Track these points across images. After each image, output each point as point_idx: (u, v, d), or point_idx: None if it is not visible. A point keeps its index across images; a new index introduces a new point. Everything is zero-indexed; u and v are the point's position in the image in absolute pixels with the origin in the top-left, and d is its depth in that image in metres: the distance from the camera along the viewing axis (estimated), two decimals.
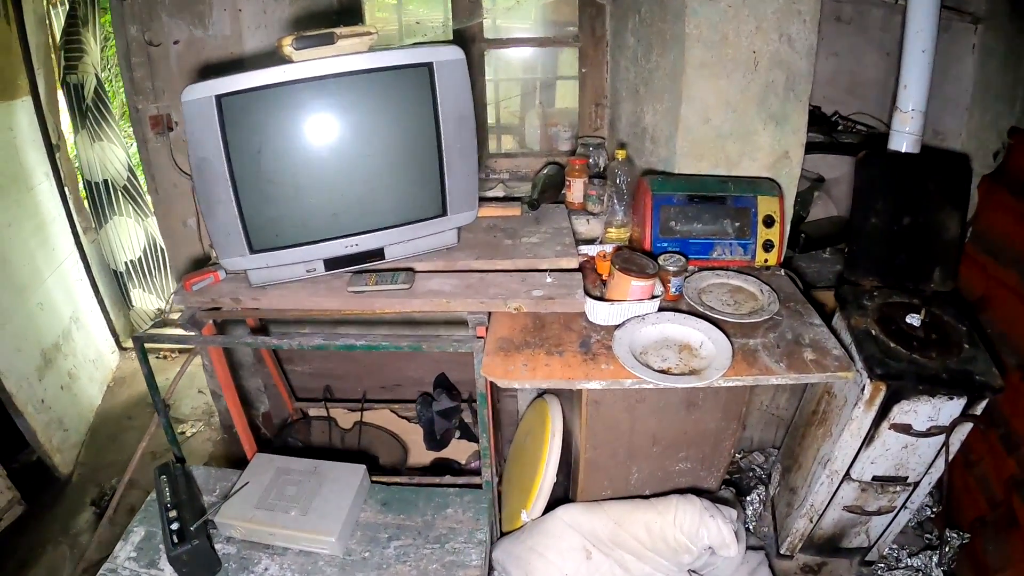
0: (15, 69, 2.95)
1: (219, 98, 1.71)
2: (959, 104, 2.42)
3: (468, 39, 2.52)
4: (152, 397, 2.12)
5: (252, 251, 1.88)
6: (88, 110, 3.20)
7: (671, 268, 1.93)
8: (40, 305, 2.99)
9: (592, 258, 2.10)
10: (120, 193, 3.40)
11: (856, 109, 2.62)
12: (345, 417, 2.69)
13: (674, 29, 2.09)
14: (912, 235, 2.12)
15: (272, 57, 1.75)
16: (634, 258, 1.88)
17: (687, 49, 2.04)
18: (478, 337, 1.85)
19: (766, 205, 2.08)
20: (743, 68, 2.06)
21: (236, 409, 2.30)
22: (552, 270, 1.95)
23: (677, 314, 1.85)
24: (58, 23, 3.20)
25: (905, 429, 1.86)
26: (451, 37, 2.52)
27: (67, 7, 3.13)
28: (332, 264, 1.96)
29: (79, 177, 3.44)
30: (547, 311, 1.85)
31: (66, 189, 3.31)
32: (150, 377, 2.08)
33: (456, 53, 1.81)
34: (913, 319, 1.95)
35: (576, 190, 2.36)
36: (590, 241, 2.30)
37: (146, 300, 3.67)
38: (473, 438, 2.58)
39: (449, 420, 2.50)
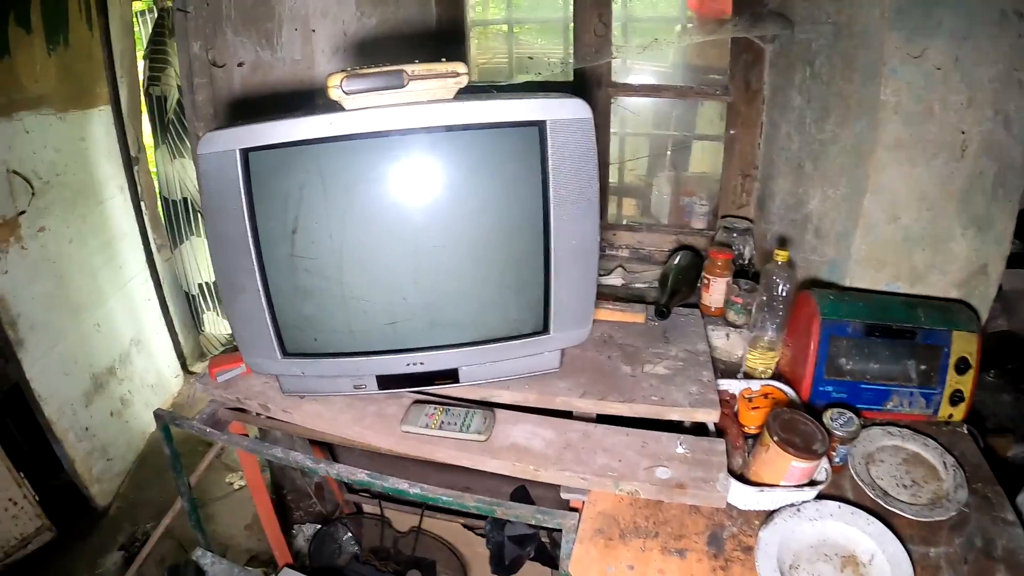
0: (94, 77, 2.39)
1: (245, 153, 1.08)
2: None
3: (591, 82, 1.78)
4: (176, 481, 1.54)
5: (284, 354, 1.23)
6: (170, 124, 2.61)
7: (842, 433, 1.21)
8: (97, 326, 2.43)
9: (733, 398, 1.35)
10: (199, 213, 2.79)
11: None
12: (401, 518, 2.00)
13: (863, 93, 1.35)
14: None
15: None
16: (796, 424, 1.15)
17: (880, 122, 1.32)
18: (572, 509, 1.15)
19: (962, 344, 1.33)
20: (947, 153, 1.34)
21: (267, 517, 1.67)
22: (684, 426, 1.23)
23: (842, 507, 1.15)
24: (145, 31, 2.61)
25: None
26: (570, 78, 1.78)
27: (156, 15, 2.54)
28: (387, 382, 1.28)
29: (157, 193, 2.85)
30: (674, 500, 1.13)
31: (143, 204, 2.74)
32: (174, 459, 1.51)
33: (580, 109, 1.10)
34: None
35: (716, 292, 1.59)
36: (729, 368, 1.52)
37: (219, 324, 3.05)
38: (550, 563, 1.86)
39: (523, 547, 1.78)
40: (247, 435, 1.51)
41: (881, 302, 1.38)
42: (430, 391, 1.31)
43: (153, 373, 2.79)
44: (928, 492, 1.21)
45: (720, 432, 1.26)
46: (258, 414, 1.39)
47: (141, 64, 2.61)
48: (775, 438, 1.10)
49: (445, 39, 1.84)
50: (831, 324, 1.32)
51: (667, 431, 1.25)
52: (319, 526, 2.10)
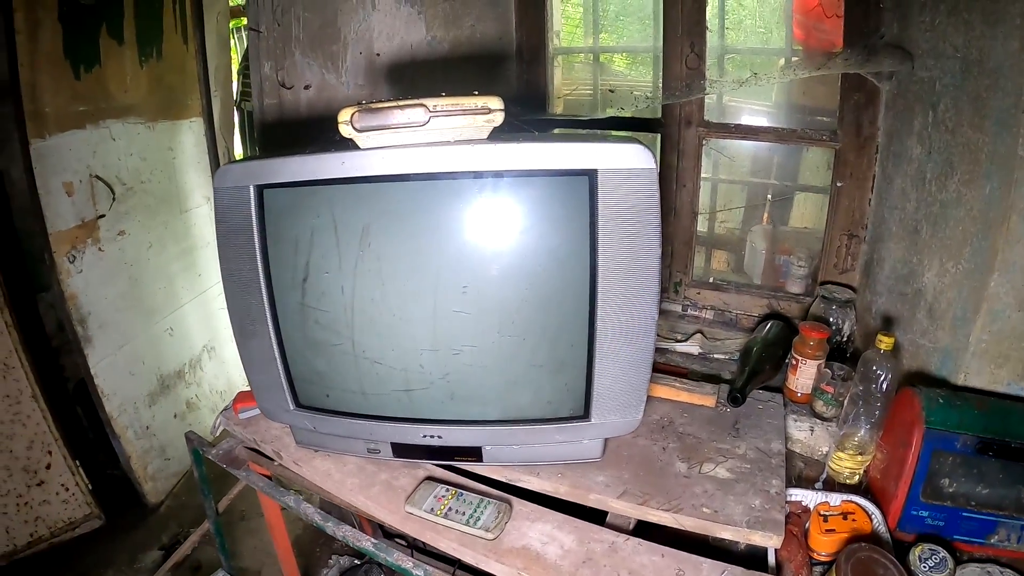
0: (187, 89, 2.37)
1: (260, 189, 0.94)
2: None
3: (681, 120, 1.53)
4: (204, 504, 1.45)
5: (297, 406, 1.09)
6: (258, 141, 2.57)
7: None
8: (170, 330, 2.40)
9: (806, 512, 1.07)
10: None
11: None
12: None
13: (995, 145, 1.06)
14: None
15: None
16: (873, 567, 0.91)
17: (1017, 184, 1.01)
18: None
19: None
20: None
21: (285, 554, 1.54)
22: (737, 549, 0.97)
23: None
24: (241, 47, 2.59)
25: None
26: (658, 114, 1.54)
27: None
28: (403, 451, 1.09)
29: None
30: None
31: None
32: (203, 482, 1.42)
33: (641, 157, 0.87)
34: None
35: (804, 376, 1.29)
36: (809, 467, 1.24)
37: None
38: None
39: None
40: (267, 474, 1.38)
41: (1001, 411, 1.07)
42: (451, 467, 1.12)
43: (223, 380, 2.74)
44: None
45: (779, 563, 0.99)
46: (271, 459, 1.26)
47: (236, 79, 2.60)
48: None
49: (526, 68, 1.65)
50: (937, 436, 1.03)
51: (717, 551, 1.01)
52: (355, 561, 1.97)
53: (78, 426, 2.20)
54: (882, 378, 1.14)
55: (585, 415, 0.99)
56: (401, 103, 0.89)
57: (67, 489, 2.07)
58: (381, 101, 0.89)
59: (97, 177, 2.02)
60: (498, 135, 0.91)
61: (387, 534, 1.73)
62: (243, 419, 1.30)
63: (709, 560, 0.94)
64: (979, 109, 1.10)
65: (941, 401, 1.06)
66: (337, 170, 0.91)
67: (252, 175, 0.95)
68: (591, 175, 0.87)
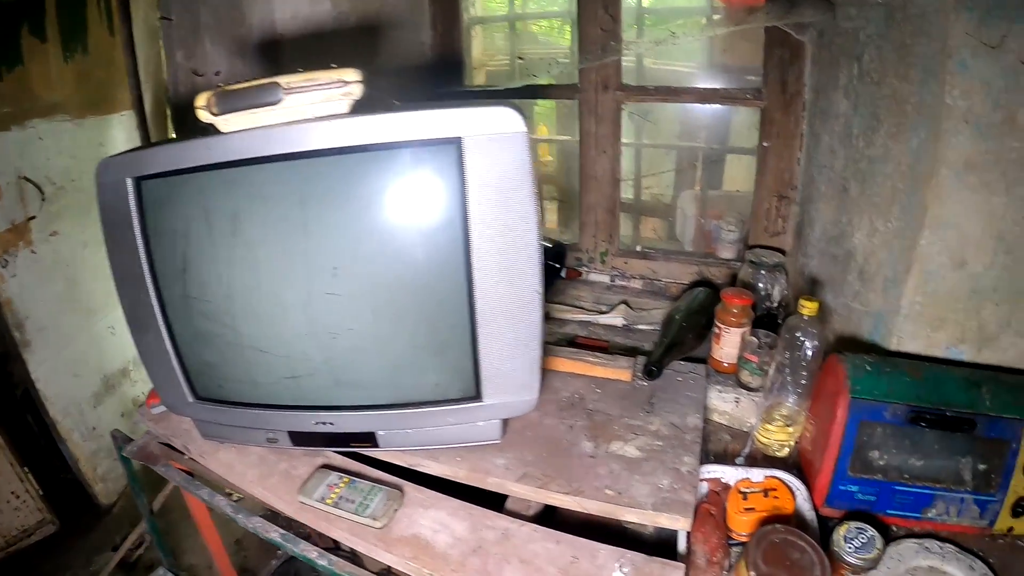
0: (116, 82, 2.33)
1: (138, 182, 0.92)
2: None
3: (598, 84, 1.49)
4: (137, 503, 1.47)
5: (196, 398, 1.07)
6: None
7: (856, 561, 0.88)
8: (111, 329, 2.38)
9: (724, 491, 1.04)
10: None
11: None
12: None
13: (922, 96, 1.01)
14: None
15: None
16: (789, 550, 0.85)
17: (944, 135, 0.97)
18: None
19: None
20: None
21: (222, 563, 1.52)
22: (636, 532, 0.96)
23: None
24: None
25: None
26: (575, 80, 1.50)
27: None
28: (300, 439, 1.07)
29: None
30: None
31: None
32: (132, 480, 1.43)
33: (509, 121, 0.83)
34: None
35: (728, 345, 1.25)
36: (734, 451, 1.19)
37: None
38: None
39: None
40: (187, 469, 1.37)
41: (936, 377, 1.01)
42: (352, 453, 1.09)
43: None
44: None
45: (692, 547, 0.95)
46: (181, 453, 1.24)
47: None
48: (753, 573, 0.80)
49: (440, 39, 1.61)
50: (863, 406, 0.98)
51: (639, 537, 0.98)
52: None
53: (29, 432, 2.19)
54: (806, 345, 1.11)
55: (476, 396, 0.96)
56: (254, 83, 0.87)
57: (18, 497, 2.08)
58: (236, 83, 0.87)
59: (25, 178, 2.01)
60: (364, 109, 0.87)
61: None
62: (155, 414, 1.28)
63: (607, 546, 0.91)
64: (904, 58, 1.06)
65: (869, 369, 1.01)
66: (203, 156, 0.89)
67: (130, 167, 0.93)
68: (457, 143, 0.84)
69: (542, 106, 2.05)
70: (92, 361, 2.31)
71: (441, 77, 1.56)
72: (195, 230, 0.93)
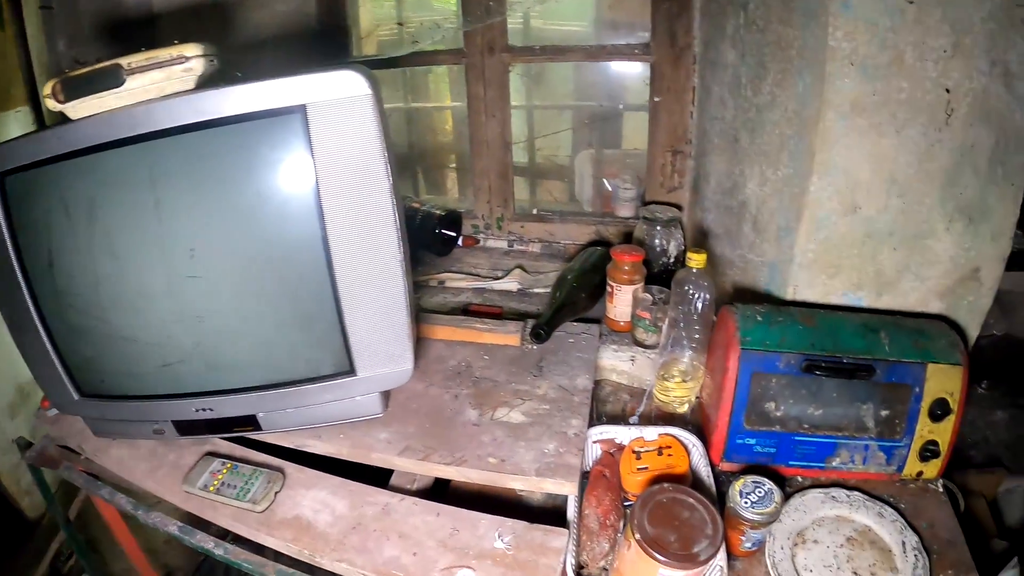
0: (9, 78, 2.25)
1: (1, 178, 0.91)
2: None
3: (484, 48, 1.47)
4: (52, 512, 1.52)
5: (81, 395, 1.04)
6: None
7: (754, 517, 0.87)
8: None
9: (619, 451, 1.04)
10: None
11: None
12: None
13: (806, 39, 1.01)
14: None
15: None
16: (677, 509, 0.83)
17: (829, 78, 0.97)
18: None
19: (940, 381, 0.97)
20: (925, 119, 0.98)
21: (140, 564, 1.51)
22: (539, 502, 0.96)
23: None
24: None
25: None
26: (460, 44, 1.48)
27: None
28: (186, 428, 1.05)
29: None
30: None
31: None
32: (42, 489, 1.43)
33: (352, 85, 0.82)
34: None
35: (621, 303, 1.25)
36: (633, 411, 1.19)
37: None
38: None
39: None
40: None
41: (830, 325, 1.02)
42: (239, 438, 1.08)
43: None
44: None
45: (584, 511, 0.96)
46: (78, 453, 1.22)
47: None
48: (638, 535, 0.79)
49: (326, 9, 1.57)
50: (755, 356, 0.98)
51: (524, 506, 0.98)
52: None
53: None
54: (696, 298, 1.11)
55: (351, 370, 0.95)
56: (95, 67, 0.85)
57: None
58: (80, 69, 0.86)
59: None
60: (211, 85, 0.86)
61: None
62: (50, 416, 1.25)
63: (489, 516, 0.91)
64: (787, 2, 1.05)
65: (760, 319, 1.01)
66: (55, 146, 0.87)
67: None
68: (302, 111, 0.82)
69: (436, 73, 2.03)
70: (4, 371, 2.24)
71: (329, 49, 1.53)
72: (56, 223, 0.91)
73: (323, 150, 0.83)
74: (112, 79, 0.85)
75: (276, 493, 0.95)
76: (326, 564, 0.87)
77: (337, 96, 0.82)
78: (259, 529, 0.92)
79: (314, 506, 0.94)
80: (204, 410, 1.00)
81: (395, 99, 2.00)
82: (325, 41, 1.52)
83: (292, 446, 1.05)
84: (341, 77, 0.82)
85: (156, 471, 1.05)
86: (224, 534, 1.06)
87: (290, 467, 1.00)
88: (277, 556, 0.97)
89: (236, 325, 0.94)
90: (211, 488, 0.96)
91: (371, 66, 0.88)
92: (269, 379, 0.97)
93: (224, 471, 0.98)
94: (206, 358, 0.96)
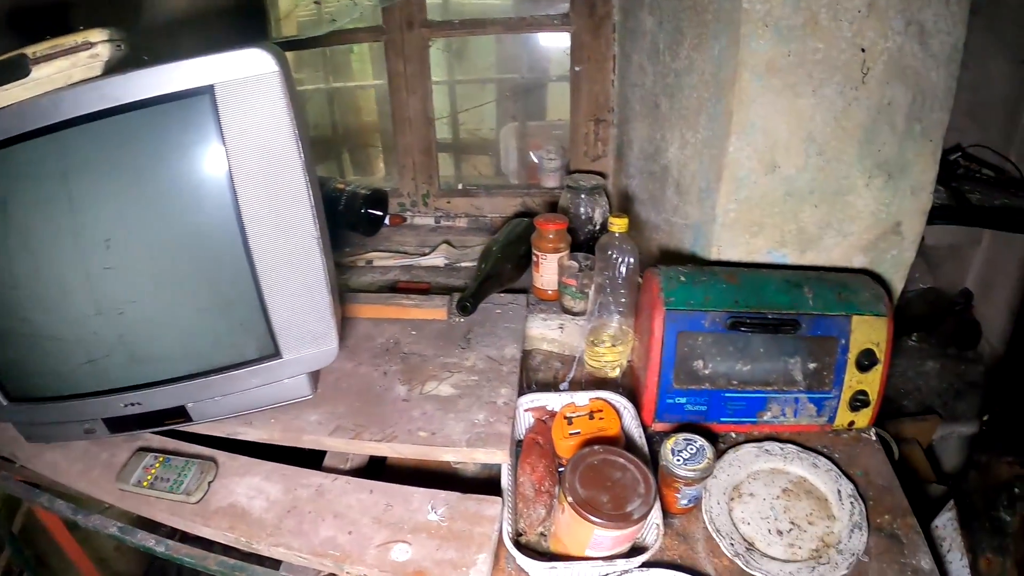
0: None
1: None
2: None
3: (403, 23, 1.46)
4: None
5: (9, 400, 1.03)
6: None
7: (687, 474, 0.90)
8: None
9: (551, 418, 1.06)
10: None
11: (975, 140, 1.47)
12: None
13: (720, 1, 1.04)
14: None
15: None
16: (609, 470, 0.86)
17: (744, 39, 1.00)
18: None
19: (866, 332, 1.01)
20: (841, 78, 1.02)
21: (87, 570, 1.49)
22: (474, 474, 0.97)
23: None
24: None
25: None
26: (379, 20, 1.47)
27: None
28: (116, 425, 1.04)
29: None
30: None
31: None
32: None
33: (259, 62, 0.82)
34: None
35: (547, 272, 1.28)
36: (559, 381, 1.22)
37: None
38: None
39: None
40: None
41: (753, 282, 1.05)
42: (171, 431, 1.07)
43: None
44: (812, 539, 0.91)
45: (519, 479, 0.98)
46: (12, 462, 1.20)
47: None
48: (571, 498, 0.81)
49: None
50: (680, 316, 1.01)
51: (460, 478, 1.00)
52: None
53: None
54: (621, 263, 1.13)
55: (276, 353, 0.96)
56: (0, 57, 0.83)
57: None
58: None
59: None
60: (122, 70, 0.84)
61: None
62: None
63: (422, 489, 0.93)
64: None
65: (683, 279, 1.05)
66: None
67: None
68: (210, 92, 0.82)
69: (357, 52, 2.01)
70: None
71: (247, 31, 1.51)
72: None
73: (233, 130, 0.83)
74: (18, 70, 0.83)
75: (210, 483, 0.96)
76: (263, 550, 0.88)
77: (244, 75, 0.82)
78: (195, 520, 0.92)
79: (248, 493, 0.95)
80: (133, 404, 0.99)
81: (317, 80, 1.98)
82: (242, 23, 1.50)
83: (224, 435, 1.05)
84: (247, 55, 0.81)
85: (90, 471, 1.04)
86: (173, 533, 1.07)
87: (223, 456, 1.01)
88: (226, 551, 0.98)
89: (157, 315, 0.94)
90: (144, 483, 0.96)
91: (291, 47, 0.87)
92: (195, 368, 0.97)
93: (157, 465, 0.98)
94: (130, 351, 0.95)
